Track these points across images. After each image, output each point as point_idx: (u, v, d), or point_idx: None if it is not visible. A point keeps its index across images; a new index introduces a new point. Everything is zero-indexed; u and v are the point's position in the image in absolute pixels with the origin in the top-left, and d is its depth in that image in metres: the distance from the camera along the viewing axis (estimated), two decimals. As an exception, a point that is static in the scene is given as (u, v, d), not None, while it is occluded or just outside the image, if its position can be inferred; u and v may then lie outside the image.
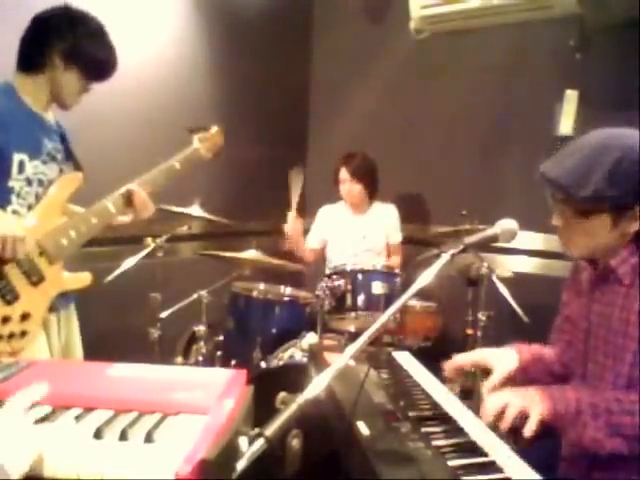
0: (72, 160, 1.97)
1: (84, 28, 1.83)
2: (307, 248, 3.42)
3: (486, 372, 1.49)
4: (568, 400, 1.23)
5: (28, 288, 1.70)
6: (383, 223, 3.41)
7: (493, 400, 1.27)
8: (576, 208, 1.35)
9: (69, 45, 1.80)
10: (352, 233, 3.36)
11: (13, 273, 1.67)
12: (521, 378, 1.51)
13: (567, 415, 1.22)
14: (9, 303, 1.65)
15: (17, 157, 1.73)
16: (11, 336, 1.65)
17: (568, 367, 1.54)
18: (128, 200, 1.94)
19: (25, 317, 1.69)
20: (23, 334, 1.68)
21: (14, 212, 1.75)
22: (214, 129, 2.32)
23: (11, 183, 1.73)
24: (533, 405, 1.22)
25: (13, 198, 1.74)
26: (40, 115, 1.86)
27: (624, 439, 1.20)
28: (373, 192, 3.39)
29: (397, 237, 3.45)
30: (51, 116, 1.92)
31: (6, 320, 1.64)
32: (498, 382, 1.42)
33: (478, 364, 1.50)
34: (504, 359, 1.49)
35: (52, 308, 1.83)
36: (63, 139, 1.96)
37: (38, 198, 1.81)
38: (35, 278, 1.72)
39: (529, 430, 1.20)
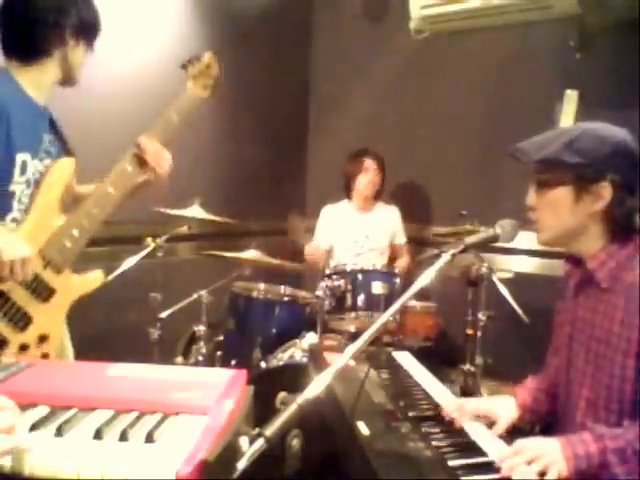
0: (63, 146, 1.82)
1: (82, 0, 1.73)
2: (320, 251, 3.39)
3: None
4: (591, 456, 1.17)
5: (39, 307, 1.57)
6: (386, 224, 3.42)
7: (521, 450, 1.20)
8: (540, 179, 1.37)
9: (76, 20, 1.70)
10: (356, 232, 3.37)
11: (19, 295, 1.54)
12: (528, 417, 1.51)
13: (590, 470, 1.17)
14: (23, 329, 1.54)
15: (20, 157, 1.61)
16: None
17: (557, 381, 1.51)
18: (139, 159, 1.78)
19: (42, 339, 1.57)
20: (44, 358, 1.57)
21: (13, 220, 1.63)
22: (206, 57, 2.05)
23: (12, 187, 1.60)
24: (554, 465, 1.17)
25: (14, 204, 1.62)
26: (39, 106, 1.72)
27: None
28: (382, 190, 3.43)
29: (402, 238, 3.47)
30: (43, 101, 1.76)
31: (24, 348, 1.53)
32: (501, 431, 1.41)
33: (482, 414, 1.48)
34: (505, 409, 1.48)
35: None
36: (52, 124, 1.80)
37: (32, 199, 1.66)
38: (45, 294, 1.59)
39: None
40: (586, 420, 1.32)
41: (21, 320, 1.54)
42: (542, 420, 1.54)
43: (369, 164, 3.33)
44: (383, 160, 3.38)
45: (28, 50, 1.68)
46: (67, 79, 1.78)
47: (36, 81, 1.70)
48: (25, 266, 1.50)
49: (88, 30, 1.76)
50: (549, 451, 1.19)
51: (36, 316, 1.57)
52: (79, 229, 1.67)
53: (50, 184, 1.69)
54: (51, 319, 1.62)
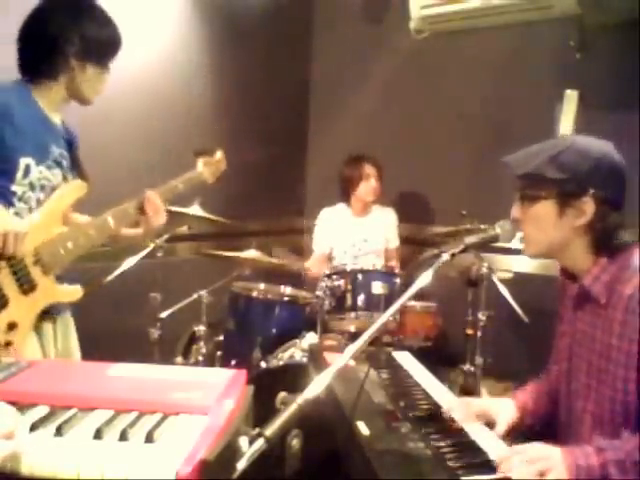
0: (77, 167, 1.92)
1: (88, 20, 1.77)
2: (318, 255, 3.39)
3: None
4: (592, 469, 1.16)
5: (18, 296, 1.62)
6: (383, 226, 3.42)
7: (522, 453, 1.20)
8: (524, 194, 1.38)
9: (80, 44, 1.75)
10: (354, 236, 3.36)
11: (5, 279, 1.60)
12: (529, 421, 1.50)
13: None
14: None
15: (23, 161, 1.69)
16: None
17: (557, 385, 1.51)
18: (141, 208, 1.90)
19: (11, 327, 1.61)
20: (7, 344, 1.60)
21: (16, 214, 1.69)
22: (218, 155, 2.30)
23: (14, 187, 1.68)
24: (553, 469, 1.16)
25: (15, 202, 1.69)
26: (50, 118, 1.82)
27: None
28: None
29: (395, 242, 3.47)
30: (58, 119, 1.87)
31: None
32: (503, 433, 1.41)
33: (481, 415, 1.47)
34: (504, 410, 1.48)
35: (47, 314, 1.75)
36: (70, 145, 1.91)
37: (39, 203, 1.75)
38: (26, 286, 1.64)
39: None
40: (593, 435, 1.31)
41: None
42: (542, 423, 1.53)
43: (370, 170, 3.31)
44: (381, 166, 3.36)
45: (34, 72, 1.78)
46: (76, 99, 1.85)
47: (46, 98, 1.79)
48: (17, 241, 1.55)
49: (95, 53, 1.79)
50: (550, 456, 1.19)
51: (13, 303, 1.62)
52: (74, 243, 1.75)
53: (60, 197, 1.78)
54: (24, 312, 1.66)
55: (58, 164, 1.82)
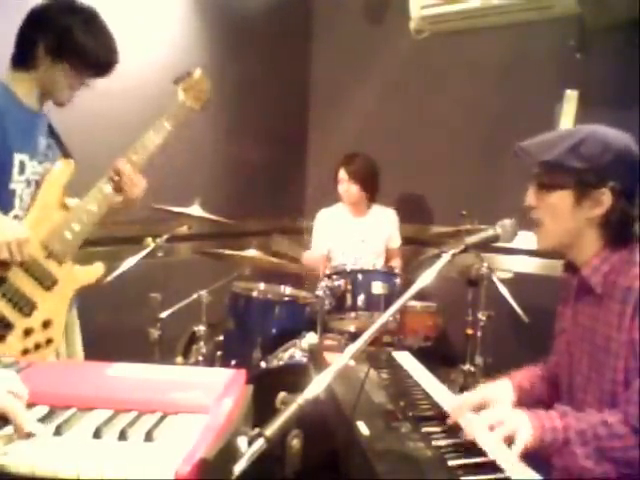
0: (61, 149, 1.89)
1: (72, 20, 1.70)
2: (317, 256, 3.37)
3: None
4: (556, 431, 1.20)
5: (43, 294, 1.65)
6: (383, 227, 3.41)
7: (486, 416, 1.23)
8: (541, 181, 1.36)
9: (53, 39, 1.68)
10: (352, 236, 3.35)
11: (24, 282, 1.61)
12: (525, 399, 1.49)
13: (554, 444, 1.19)
14: (28, 315, 1.61)
15: (18, 158, 1.68)
16: (37, 347, 1.61)
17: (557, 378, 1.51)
18: (116, 182, 1.84)
19: (47, 325, 1.64)
20: (49, 342, 1.65)
21: (15, 217, 1.68)
22: (197, 73, 2.07)
23: (13, 185, 1.67)
24: (522, 430, 1.19)
25: (16, 202, 1.68)
26: (34, 111, 1.78)
27: (614, 464, 1.17)
28: (372, 195, 3.36)
29: (397, 242, 3.46)
30: (36, 107, 1.81)
31: (29, 332, 1.60)
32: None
33: (481, 404, 1.46)
34: (501, 394, 1.48)
35: None
36: (51, 129, 1.87)
37: (33, 200, 1.74)
38: (48, 282, 1.67)
39: (515, 453, 1.18)
40: None
41: (26, 306, 1.61)
42: (540, 405, 1.53)
43: (342, 175, 3.28)
44: (364, 168, 3.28)
45: (15, 57, 1.75)
46: (50, 97, 1.80)
47: (25, 89, 1.75)
48: (21, 247, 1.56)
49: (69, 53, 1.72)
50: (516, 417, 1.22)
51: (40, 303, 1.64)
52: (79, 223, 1.76)
53: (51, 183, 1.77)
54: (55, 306, 1.69)
55: (46, 156, 1.81)
